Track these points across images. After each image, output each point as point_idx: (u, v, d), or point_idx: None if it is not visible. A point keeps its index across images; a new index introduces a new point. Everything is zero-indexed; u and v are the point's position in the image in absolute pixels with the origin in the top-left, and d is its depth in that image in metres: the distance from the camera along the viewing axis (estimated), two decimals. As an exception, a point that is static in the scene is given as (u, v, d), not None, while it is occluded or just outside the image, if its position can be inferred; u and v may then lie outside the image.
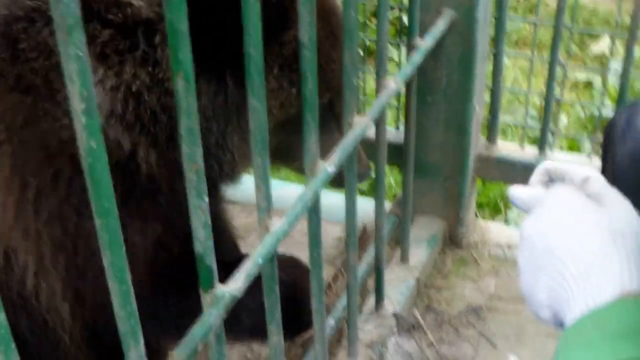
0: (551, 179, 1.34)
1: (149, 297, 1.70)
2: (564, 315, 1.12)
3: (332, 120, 1.76)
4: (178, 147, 1.54)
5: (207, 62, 1.51)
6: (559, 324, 1.16)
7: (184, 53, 0.94)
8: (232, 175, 1.74)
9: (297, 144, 1.57)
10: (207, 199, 1.07)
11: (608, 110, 3.34)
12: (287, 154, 1.77)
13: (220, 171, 1.68)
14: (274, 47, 1.59)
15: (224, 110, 1.61)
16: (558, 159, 2.48)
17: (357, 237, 1.82)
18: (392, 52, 3.25)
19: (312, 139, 1.38)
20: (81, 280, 1.61)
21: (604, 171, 1.64)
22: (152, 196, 1.61)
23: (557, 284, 1.14)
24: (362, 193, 3.25)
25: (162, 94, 1.55)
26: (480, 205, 3.21)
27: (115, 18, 1.53)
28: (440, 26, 2.04)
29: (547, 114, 2.45)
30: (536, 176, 1.36)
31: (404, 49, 2.65)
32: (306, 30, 1.26)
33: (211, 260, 1.12)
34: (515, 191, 1.34)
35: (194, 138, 1.01)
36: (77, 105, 0.79)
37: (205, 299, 1.15)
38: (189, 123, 1.00)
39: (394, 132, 2.56)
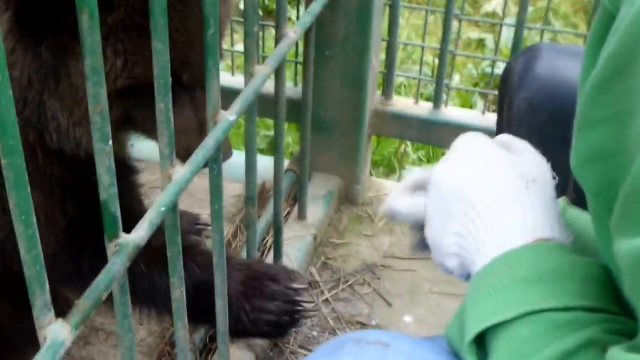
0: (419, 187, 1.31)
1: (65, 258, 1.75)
2: (472, 262, 1.12)
3: (182, 93, 1.62)
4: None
5: (24, 29, 1.48)
6: (465, 275, 1.17)
7: (89, -11, 0.95)
8: (75, 141, 1.65)
9: (148, 115, 1.50)
10: (111, 143, 1.07)
11: (500, 70, 3.45)
12: (141, 124, 1.70)
13: (54, 138, 1.64)
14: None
15: (39, 76, 1.56)
16: (452, 115, 2.56)
17: (256, 194, 1.85)
18: (291, 12, 3.25)
19: (214, 86, 1.40)
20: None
21: (500, 117, 1.71)
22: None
23: (466, 230, 1.14)
24: (261, 151, 3.27)
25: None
26: (374, 164, 3.28)
27: None
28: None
29: (441, 69, 2.51)
30: (405, 186, 1.33)
31: (302, 9, 2.68)
32: None
33: (115, 208, 1.12)
34: (394, 205, 1.31)
35: (99, 77, 1.01)
36: None
37: (110, 247, 1.16)
38: (92, 62, 1.00)
39: (292, 89, 2.58)
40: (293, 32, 1.78)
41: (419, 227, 1.31)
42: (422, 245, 1.31)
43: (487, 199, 1.13)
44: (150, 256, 1.55)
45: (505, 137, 1.27)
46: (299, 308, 2.08)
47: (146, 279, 1.85)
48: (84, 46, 0.98)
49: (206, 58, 1.36)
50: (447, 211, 1.18)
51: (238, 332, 2.00)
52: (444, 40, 2.44)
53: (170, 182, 1.29)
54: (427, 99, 3.08)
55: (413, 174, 1.34)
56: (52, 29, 1.48)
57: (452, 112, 2.58)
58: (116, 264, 1.15)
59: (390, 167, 3.37)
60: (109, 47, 1.51)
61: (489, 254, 1.09)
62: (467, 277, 1.16)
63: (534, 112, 1.51)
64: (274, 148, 1.98)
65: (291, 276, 2.10)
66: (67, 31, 1.43)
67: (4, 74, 0.81)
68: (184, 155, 1.47)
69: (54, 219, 1.70)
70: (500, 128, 1.66)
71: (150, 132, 1.69)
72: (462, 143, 1.25)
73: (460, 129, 2.44)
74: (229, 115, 1.46)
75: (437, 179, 1.21)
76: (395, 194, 1.33)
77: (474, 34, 4.22)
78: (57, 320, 1.02)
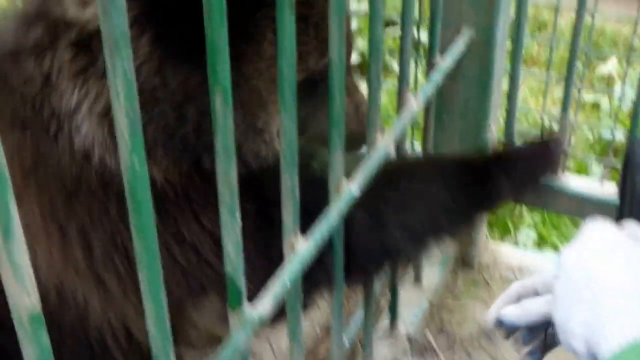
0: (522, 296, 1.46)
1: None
2: (599, 347, 1.12)
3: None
4: (177, 152, 1.55)
5: (169, 46, 1.46)
6: (592, 356, 1.17)
7: (222, 70, 0.94)
8: (252, 152, 1.62)
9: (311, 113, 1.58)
10: (239, 218, 1.06)
11: (619, 134, 3.34)
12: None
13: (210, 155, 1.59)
14: (264, 11, 1.49)
15: (201, 90, 1.50)
16: (570, 183, 2.46)
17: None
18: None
19: (337, 158, 1.37)
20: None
21: (622, 199, 1.65)
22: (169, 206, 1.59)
23: (594, 316, 1.15)
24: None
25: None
26: (489, 225, 3.20)
27: (72, 36, 1.51)
28: (459, 45, 2.03)
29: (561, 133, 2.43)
30: (509, 297, 1.47)
31: (418, 65, 2.65)
32: (335, 48, 1.26)
33: (241, 281, 1.11)
34: (503, 314, 1.44)
35: (229, 155, 1.00)
36: (121, 119, 0.78)
37: (233, 319, 1.14)
38: (225, 140, 0.99)
39: (408, 150, 2.54)
40: (415, 102, 1.74)
41: (530, 328, 1.47)
42: (500, 324, 1.46)
43: (616, 288, 1.16)
44: None
45: (634, 229, 1.31)
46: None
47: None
48: (217, 125, 0.97)
49: (330, 130, 1.34)
50: (575, 295, 1.21)
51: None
52: (564, 109, 2.36)
53: (294, 254, 1.27)
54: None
55: (515, 287, 1.48)
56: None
57: (570, 180, 2.48)
58: (240, 337, 1.13)
59: (505, 229, 3.29)
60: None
61: (616, 341, 1.09)
62: (595, 358, 1.15)
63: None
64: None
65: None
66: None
67: (142, 159, 0.80)
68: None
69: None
70: (623, 209, 1.61)
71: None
72: (592, 230, 1.29)
73: (577, 198, 2.40)
74: (352, 188, 1.43)
75: (568, 264, 1.25)
76: (500, 304, 1.47)
77: (588, 96, 4.10)
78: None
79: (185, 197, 1.57)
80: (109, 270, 1.55)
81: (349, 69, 1.65)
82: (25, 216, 1.50)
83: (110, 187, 1.52)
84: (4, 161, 0.65)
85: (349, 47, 1.64)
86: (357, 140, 1.68)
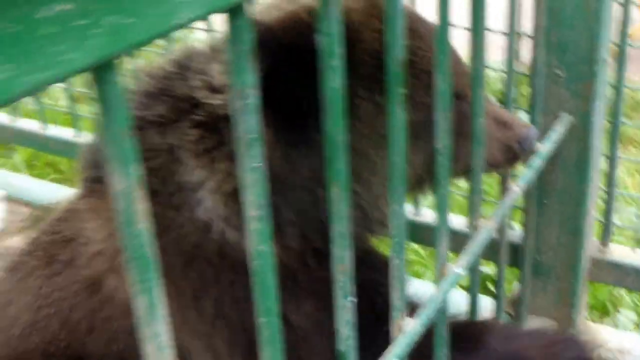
0: None
1: None
2: None
3: (464, 102, 1.64)
4: (298, 233, 1.60)
5: (287, 133, 1.52)
6: None
7: (341, 163, 0.99)
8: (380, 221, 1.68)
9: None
10: (352, 300, 1.09)
11: None
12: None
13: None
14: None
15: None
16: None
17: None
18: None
19: (443, 242, 1.40)
20: None
21: None
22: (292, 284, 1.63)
23: None
24: (462, 287, 3.21)
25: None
26: (588, 307, 3.14)
27: (199, 117, 1.57)
28: (558, 131, 2.04)
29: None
30: None
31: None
32: (441, 136, 1.30)
33: (354, 358, 1.14)
34: None
35: (344, 242, 1.04)
36: (251, 212, 0.83)
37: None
38: (340, 228, 1.03)
39: (507, 234, 2.55)
40: (517, 187, 1.76)
41: None
42: None
43: None
44: None
45: None
46: None
47: None
48: (333, 214, 1.02)
49: (438, 215, 1.37)
50: None
51: None
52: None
53: (401, 334, 1.29)
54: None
55: None
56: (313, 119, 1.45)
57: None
58: (350, 414, 1.15)
59: (604, 310, 3.22)
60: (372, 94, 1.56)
61: None
62: None
63: None
64: (496, 294, 1.93)
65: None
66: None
67: (268, 245, 0.85)
68: (500, 157, 1.70)
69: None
70: None
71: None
72: None
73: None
74: (457, 269, 1.45)
75: None
76: None
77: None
78: None
79: (294, 279, 1.62)
80: (217, 333, 1.60)
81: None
82: None
83: (225, 258, 1.58)
84: (150, 242, 0.69)
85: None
86: (509, 149, 1.73)
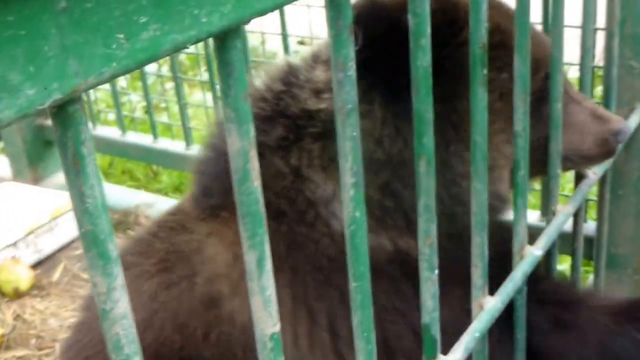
0: None
1: None
2: None
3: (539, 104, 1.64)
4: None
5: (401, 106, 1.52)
6: None
7: (428, 138, 1.04)
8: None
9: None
10: (437, 272, 1.14)
11: None
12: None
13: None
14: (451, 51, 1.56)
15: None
16: None
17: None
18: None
19: (522, 223, 1.44)
20: None
21: None
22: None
23: None
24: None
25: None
26: None
27: (316, 130, 1.59)
28: (633, 120, 2.06)
29: None
30: None
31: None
32: (520, 119, 1.34)
33: (436, 331, 1.19)
34: None
35: (431, 215, 1.10)
36: (347, 179, 0.89)
37: (428, 368, 1.22)
38: (427, 201, 1.09)
39: (583, 224, 2.56)
40: (593, 174, 1.79)
41: None
42: None
43: None
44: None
45: None
46: None
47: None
48: (420, 187, 1.07)
49: (515, 197, 1.42)
50: None
51: None
52: None
53: (483, 311, 1.34)
54: None
55: None
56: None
57: None
58: (434, 384, 1.21)
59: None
60: None
61: None
62: None
63: None
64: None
65: None
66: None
67: (363, 210, 0.91)
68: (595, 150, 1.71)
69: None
70: None
71: None
72: None
73: None
74: (535, 251, 1.49)
75: None
76: None
77: None
78: None
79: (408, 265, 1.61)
80: (353, 354, 1.62)
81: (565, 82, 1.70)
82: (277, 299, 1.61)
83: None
84: (262, 199, 0.75)
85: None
86: (605, 142, 1.73)
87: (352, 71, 0.84)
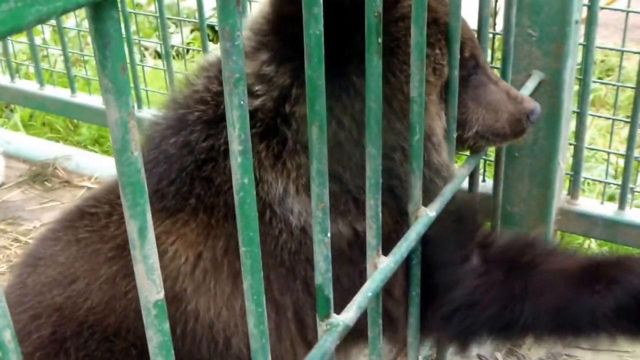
0: None
1: None
2: None
3: (480, 73, 1.73)
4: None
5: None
6: None
7: (320, 105, 1.03)
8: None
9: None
10: (329, 235, 1.14)
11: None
12: None
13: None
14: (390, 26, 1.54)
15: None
16: (637, 217, 2.48)
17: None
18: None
19: (417, 186, 1.45)
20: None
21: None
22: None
23: None
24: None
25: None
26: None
27: (257, 130, 1.58)
28: (529, 87, 2.09)
29: (626, 173, 2.45)
30: None
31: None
32: (416, 86, 1.34)
33: (329, 291, 1.19)
34: None
35: (323, 179, 1.09)
36: (235, 147, 0.87)
37: (321, 326, 1.22)
38: (319, 166, 1.07)
39: (481, 184, 2.59)
40: (488, 137, 1.81)
41: None
42: None
43: None
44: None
45: None
46: None
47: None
48: (313, 153, 1.06)
49: (411, 160, 1.42)
50: None
51: None
52: (629, 148, 2.39)
53: (376, 271, 1.34)
54: (610, 198, 3.01)
55: None
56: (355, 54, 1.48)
57: (637, 213, 2.51)
58: (327, 342, 1.21)
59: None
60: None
61: None
62: None
63: None
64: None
65: None
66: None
67: (250, 178, 0.89)
68: (508, 128, 1.74)
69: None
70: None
71: None
72: None
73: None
74: (429, 212, 1.50)
75: None
76: None
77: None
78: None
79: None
80: None
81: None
82: (225, 295, 1.59)
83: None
84: (143, 169, 0.73)
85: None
86: (518, 122, 1.77)
87: (239, 40, 0.81)
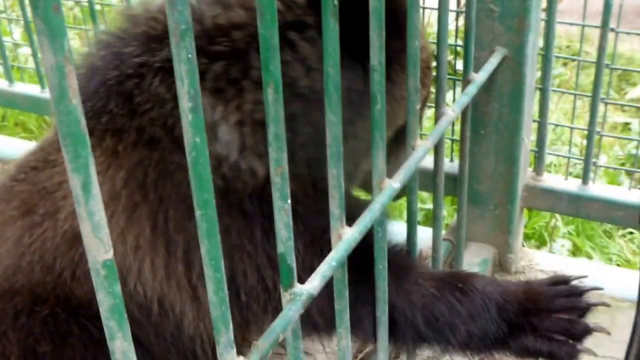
0: None
1: None
2: None
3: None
4: (311, 164, 1.57)
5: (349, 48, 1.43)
6: None
7: (274, 65, 0.98)
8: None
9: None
10: (289, 201, 1.10)
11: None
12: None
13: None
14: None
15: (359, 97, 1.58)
16: (600, 191, 2.47)
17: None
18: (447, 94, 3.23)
19: (380, 157, 1.41)
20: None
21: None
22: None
23: None
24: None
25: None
26: (526, 236, 3.19)
27: (222, 47, 1.51)
28: (493, 62, 2.06)
29: (589, 149, 2.44)
30: None
31: (457, 91, 2.66)
32: (375, 53, 1.30)
33: (292, 260, 1.14)
34: None
35: (280, 144, 1.04)
36: (185, 103, 0.82)
37: (285, 296, 1.17)
38: (276, 130, 1.03)
39: (447, 164, 2.56)
40: (451, 111, 1.78)
41: None
42: None
43: None
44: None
45: None
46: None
47: None
48: (269, 116, 1.01)
49: (373, 131, 1.38)
50: None
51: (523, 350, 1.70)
52: (592, 123, 2.38)
53: (340, 241, 1.30)
54: (576, 177, 3.00)
55: None
56: None
57: (600, 188, 2.50)
58: (291, 310, 1.16)
59: (541, 240, 3.28)
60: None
61: None
62: None
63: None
64: (433, 218, 1.95)
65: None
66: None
67: (203, 136, 0.85)
68: None
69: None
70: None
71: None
72: None
73: (607, 203, 2.41)
74: (394, 183, 1.46)
75: None
76: None
77: (619, 118, 4.08)
78: (238, 357, 1.04)
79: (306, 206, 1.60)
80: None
81: None
82: (137, 229, 1.53)
83: (228, 197, 1.53)
84: (83, 118, 0.68)
85: None
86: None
87: (184, -10, 0.77)
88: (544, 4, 2.24)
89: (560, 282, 1.74)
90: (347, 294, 1.38)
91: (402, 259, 1.72)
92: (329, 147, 1.22)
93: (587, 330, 1.66)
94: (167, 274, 1.53)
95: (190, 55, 0.80)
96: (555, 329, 1.65)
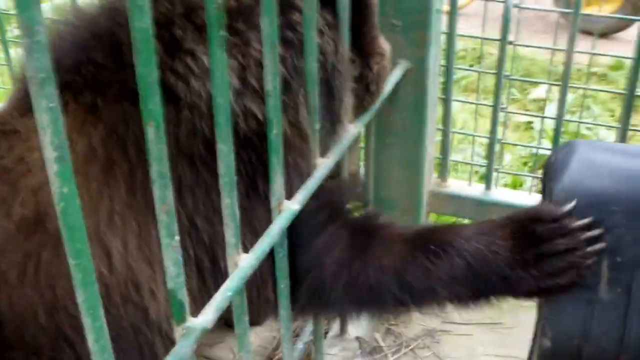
0: None
1: None
2: None
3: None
4: (301, 111, 1.54)
5: None
6: None
7: (154, 103, 0.91)
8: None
9: None
10: (177, 238, 1.02)
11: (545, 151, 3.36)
12: None
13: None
14: None
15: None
16: (502, 196, 2.48)
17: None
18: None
19: (278, 179, 1.35)
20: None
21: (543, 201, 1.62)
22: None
23: None
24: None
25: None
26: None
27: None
28: (396, 75, 2.02)
29: (491, 154, 2.45)
30: None
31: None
32: (270, 79, 1.24)
33: (182, 295, 1.07)
34: None
35: (165, 181, 0.97)
36: (49, 153, 0.74)
37: (177, 331, 1.10)
38: (159, 168, 0.96)
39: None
40: (354, 127, 1.73)
41: None
42: None
43: None
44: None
45: None
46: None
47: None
48: (151, 153, 0.94)
49: (270, 155, 1.31)
50: None
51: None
52: (493, 132, 2.37)
53: (237, 269, 1.23)
54: (481, 178, 3.00)
55: None
56: None
57: (502, 193, 2.52)
58: (184, 347, 1.09)
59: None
60: None
61: None
62: None
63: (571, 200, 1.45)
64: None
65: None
66: None
67: (72, 186, 0.77)
68: None
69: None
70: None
71: None
72: None
73: (509, 208, 2.41)
74: (292, 205, 1.40)
75: None
76: None
77: (523, 117, 4.13)
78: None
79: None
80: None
81: None
82: (114, 186, 1.42)
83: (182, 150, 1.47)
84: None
85: None
86: None
87: (41, 36, 0.68)
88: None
89: (548, 219, 1.51)
90: (247, 319, 1.31)
91: (365, 225, 1.62)
92: (223, 176, 1.15)
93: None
94: (138, 244, 1.43)
95: (52, 105, 0.72)
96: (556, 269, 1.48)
